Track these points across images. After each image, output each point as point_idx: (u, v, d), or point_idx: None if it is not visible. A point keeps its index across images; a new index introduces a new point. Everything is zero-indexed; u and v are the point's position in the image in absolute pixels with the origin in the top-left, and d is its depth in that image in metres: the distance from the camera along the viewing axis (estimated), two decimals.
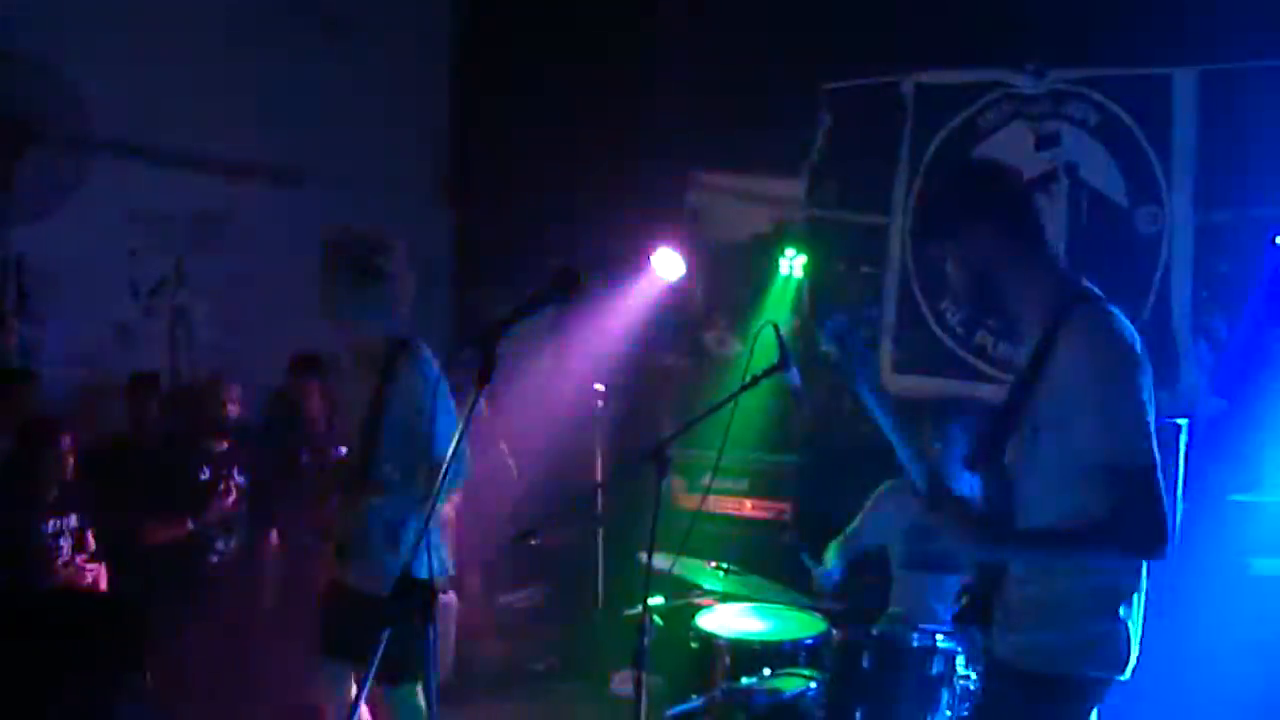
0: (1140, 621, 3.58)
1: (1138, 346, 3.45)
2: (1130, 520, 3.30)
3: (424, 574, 2.96)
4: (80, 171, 8.47)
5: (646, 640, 4.76)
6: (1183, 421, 6.85)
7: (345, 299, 5.42)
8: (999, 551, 3.68)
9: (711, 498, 8.07)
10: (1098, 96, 7.76)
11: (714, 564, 6.54)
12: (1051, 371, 3.47)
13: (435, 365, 5.49)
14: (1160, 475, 3.32)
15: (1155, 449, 3.33)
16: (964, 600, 3.89)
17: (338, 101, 10.05)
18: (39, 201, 8.24)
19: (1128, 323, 3.50)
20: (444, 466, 5.29)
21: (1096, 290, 3.61)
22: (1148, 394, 3.39)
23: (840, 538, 6.90)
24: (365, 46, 10.39)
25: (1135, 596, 3.56)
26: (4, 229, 8.27)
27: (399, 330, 5.56)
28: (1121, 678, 3.56)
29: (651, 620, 4.86)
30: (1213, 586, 6.72)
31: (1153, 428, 3.35)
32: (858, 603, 7.28)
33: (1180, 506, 6.76)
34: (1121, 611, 3.52)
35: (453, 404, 5.44)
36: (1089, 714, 3.61)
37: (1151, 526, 3.30)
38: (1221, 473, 6.92)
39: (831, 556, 6.85)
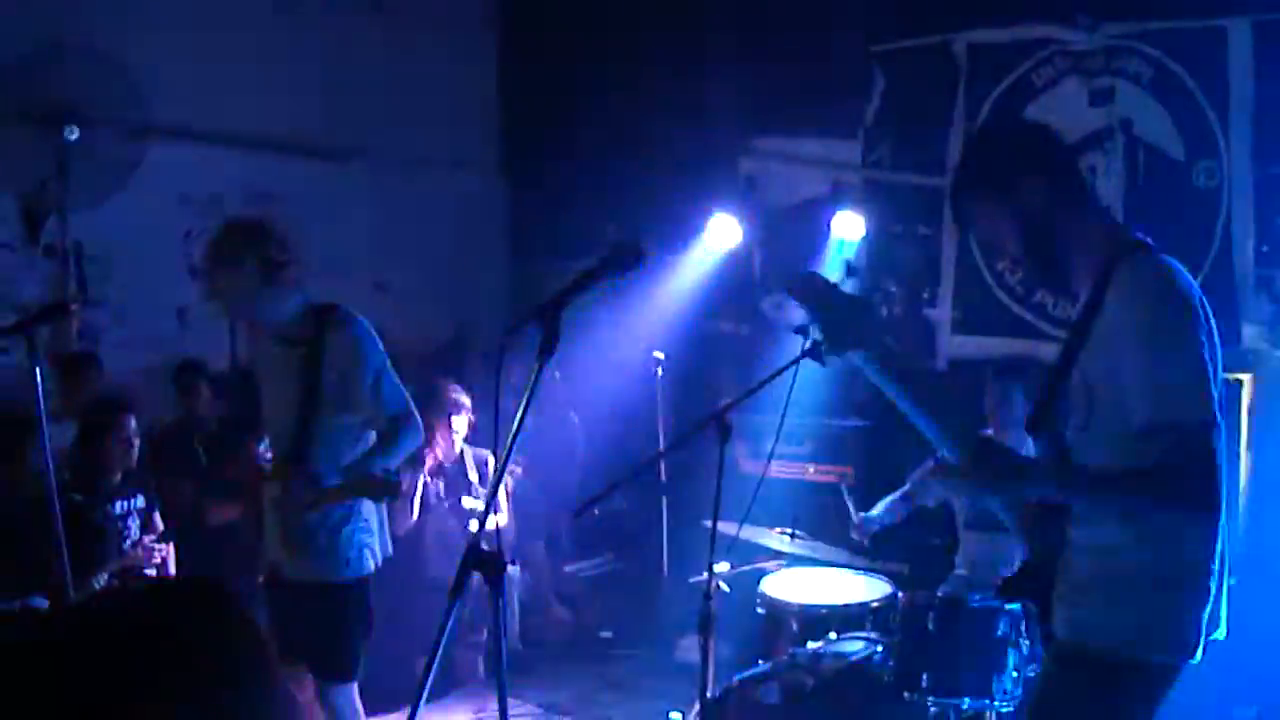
0: (1214, 599, 3.37)
1: (1194, 298, 3.26)
2: (1177, 473, 3.12)
3: (491, 544, 2.95)
4: (135, 156, 8.52)
5: (712, 606, 4.78)
6: (1245, 377, 6.83)
7: (261, 295, 5.15)
8: (1041, 486, 3.48)
9: (774, 463, 8.08)
10: (1151, 50, 7.71)
11: (779, 529, 6.57)
12: (1102, 325, 3.33)
13: (368, 326, 5.29)
14: (1219, 436, 3.13)
15: (1214, 406, 3.15)
16: (1017, 572, 3.76)
17: (389, 78, 10.08)
18: (95, 187, 8.30)
19: (1184, 273, 3.32)
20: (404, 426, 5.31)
21: (1149, 240, 3.48)
22: (1206, 348, 3.20)
23: (896, 493, 6.93)
24: (415, 22, 10.41)
25: (1206, 570, 3.34)
26: (62, 215, 8.34)
27: (310, 298, 5.33)
28: (1191, 661, 3.37)
29: (717, 586, 4.89)
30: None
31: (1213, 384, 3.15)
32: (923, 566, 7.30)
33: (1244, 461, 6.75)
34: (1189, 587, 3.32)
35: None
36: (1157, 701, 3.43)
37: (1200, 484, 3.12)
38: None
39: (880, 509, 6.89)
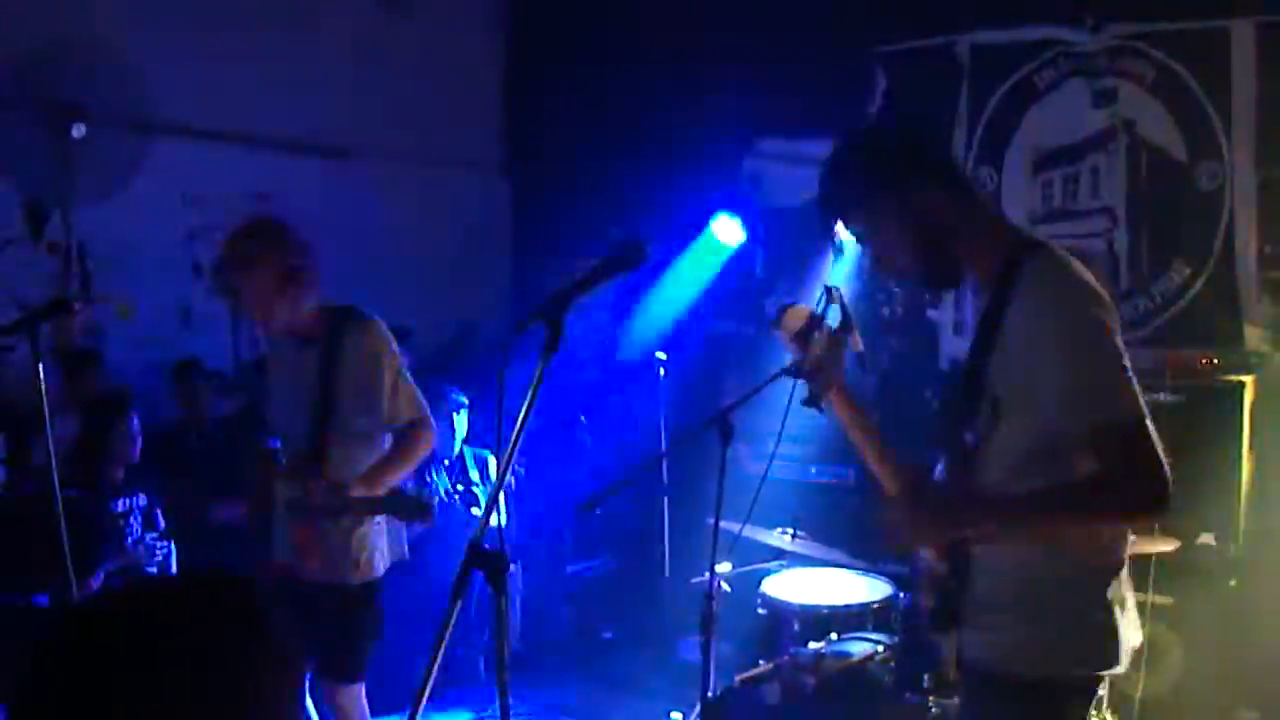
0: (1129, 606, 3.31)
1: (1104, 294, 3.14)
2: (1126, 476, 2.98)
3: (493, 544, 2.96)
4: (139, 153, 8.51)
5: (714, 606, 4.78)
6: (1247, 379, 6.82)
7: (277, 297, 5.12)
8: (981, 521, 3.29)
9: (776, 463, 8.07)
10: (1154, 52, 7.71)
11: (780, 529, 6.57)
12: (1008, 336, 3.17)
13: (386, 329, 5.31)
14: (1151, 427, 2.99)
15: (1141, 400, 3.02)
16: (934, 604, 3.50)
17: (392, 75, 10.06)
18: (98, 184, 8.30)
19: (1085, 270, 3.17)
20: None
21: (1045, 239, 3.37)
22: (1119, 340, 3.08)
23: None
24: (420, 19, 10.41)
25: (1119, 578, 3.26)
26: (66, 212, 8.34)
27: (325, 298, 5.30)
28: (1116, 672, 3.27)
29: (719, 586, 4.88)
30: None
31: (1133, 378, 3.04)
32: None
33: (1245, 464, 6.74)
34: (1107, 596, 3.22)
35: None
36: (1085, 717, 3.32)
37: (1150, 482, 2.95)
38: None
39: None
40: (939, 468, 3.49)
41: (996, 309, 3.21)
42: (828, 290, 3.66)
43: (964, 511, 3.32)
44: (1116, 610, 3.24)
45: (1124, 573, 3.30)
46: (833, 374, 3.52)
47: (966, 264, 3.38)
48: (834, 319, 3.60)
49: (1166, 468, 2.97)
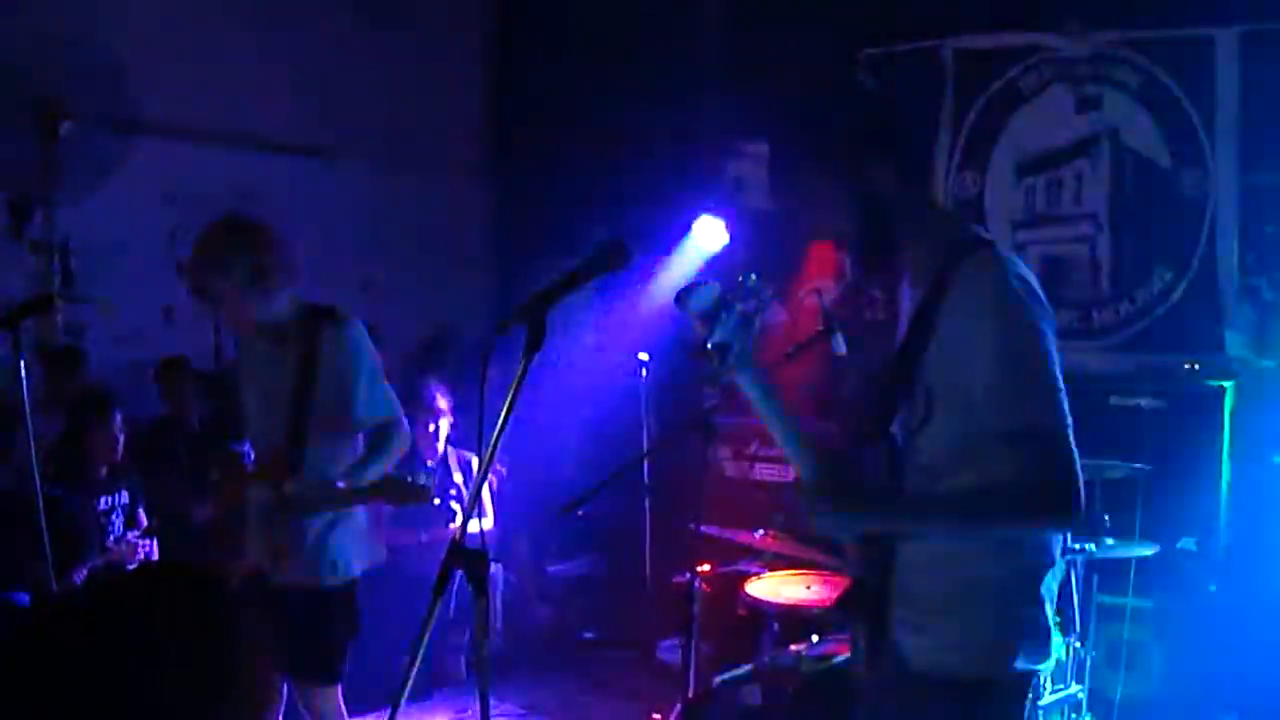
0: (1055, 600, 3.26)
1: (1040, 297, 3.08)
2: (1037, 485, 2.97)
3: (474, 543, 2.95)
4: (122, 152, 8.48)
5: (694, 608, 4.78)
6: (1228, 384, 6.84)
7: (248, 296, 5.06)
8: (885, 520, 3.26)
9: (757, 465, 8.09)
10: (1139, 59, 7.73)
11: (761, 530, 6.57)
12: (943, 328, 3.11)
13: (363, 329, 5.24)
14: (1072, 437, 2.97)
15: (1066, 410, 2.99)
16: (850, 592, 3.47)
17: (376, 76, 10.06)
18: (82, 182, 8.28)
19: (1027, 270, 3.12)
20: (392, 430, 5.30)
21: (989, 235, 3.27)
22: (1053, 346, 3.04)
23: None
24: (403, 22, 10.40)
25: (1052, 574, 3.22)
26: (49, 210, 8.32)
27: (301, 297, 5.24)
28: (1045, 667, 3.31)
29: (700, 587, 4.88)
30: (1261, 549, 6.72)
31: (1061, 386, 3.00)
32: None
33: (1226, 469, 6.76)
34: (1043, 593, 3.19)
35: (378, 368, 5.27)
36: (1023, 714, 3.30)
37: (1060, 492, 2.94)
38: (1267, 435, 6.88)
39: None
40: (863, 462, 3.41)
41: (933, 302, 3.15)
42: (745, 277, 3.62)
43: (876, 501, 3.28)
44: (1048, 607, 3.22)
45: (1056, 569, 3.27)
46: (742, 355, 3.47)
47: (905, 250, 3.34)
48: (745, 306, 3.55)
49: (1081, 480, 2.96)
